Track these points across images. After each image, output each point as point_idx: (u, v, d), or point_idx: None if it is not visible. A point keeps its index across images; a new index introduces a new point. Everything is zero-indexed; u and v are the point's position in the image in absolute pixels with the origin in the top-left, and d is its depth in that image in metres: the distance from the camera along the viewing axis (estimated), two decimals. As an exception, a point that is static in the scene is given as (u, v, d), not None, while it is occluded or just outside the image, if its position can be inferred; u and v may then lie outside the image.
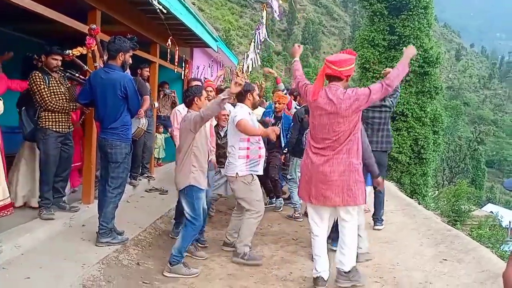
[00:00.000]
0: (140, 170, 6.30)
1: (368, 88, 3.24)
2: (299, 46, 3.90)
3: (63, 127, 4.14)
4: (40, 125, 4.03)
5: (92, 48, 4.24)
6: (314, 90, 3.29)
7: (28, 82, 4.05)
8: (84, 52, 4.29)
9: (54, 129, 4.06)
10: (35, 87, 3.98)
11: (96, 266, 3.33)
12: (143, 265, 3.69)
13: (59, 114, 4.09)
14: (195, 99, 3.70)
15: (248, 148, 4.03)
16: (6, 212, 3.19)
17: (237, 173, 3.99)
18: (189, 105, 3.74)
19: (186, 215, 3.64)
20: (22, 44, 6.11)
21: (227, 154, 4.17)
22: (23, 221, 3.78)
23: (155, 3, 4.32)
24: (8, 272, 3.02)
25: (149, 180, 6.47)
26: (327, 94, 3.24)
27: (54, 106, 4.03)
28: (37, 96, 3.99)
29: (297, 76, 3.66)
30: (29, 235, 3.54)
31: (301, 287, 3.55)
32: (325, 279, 3.40)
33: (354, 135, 3.26)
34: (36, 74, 4.01)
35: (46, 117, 4.03)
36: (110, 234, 3.84)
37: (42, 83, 4.00)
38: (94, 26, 4.20)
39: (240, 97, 4.09)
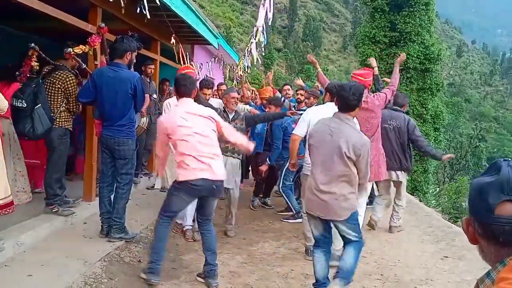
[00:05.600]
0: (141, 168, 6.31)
1: (384, 92, 4.43)
2: (311, 57, 4.97)
3: (72, 126, 4.23)
4: (59, 124, 4.04)
5: (95, 46, 4.23)
6: None
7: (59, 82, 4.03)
8: (86, 50, 4.25)
9: (70, 129, 4.18)
10: (71, 89, 4.05)
11: (98, 263, 3.34)
12: (145, 262, 3.70)
13: (71, 114, 4.19)
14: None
15: None
16: (8, 210, 3.20)
17: None
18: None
19: (352, 237, 3.10)
20: (19, 41, 6.02)
21: None
22: (24, 218, 3.79)
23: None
24: (10, 270, 3.03)
25: (149, 178, 6.47)
26: None
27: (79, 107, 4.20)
28: (71, 98, 4.07)
29: (328, 81, 4.49)
30: (30, 233, 3.55)
31: (303, 284, 3.56)
32: None
33: (379, 128, 4.38)
34: (72, 76, 4.08)
35: (66, 117, 4.10)
36: (123, 230, 3.87)
37: (76, 86, 4.12)
38: (103, 24, 4.19)
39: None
